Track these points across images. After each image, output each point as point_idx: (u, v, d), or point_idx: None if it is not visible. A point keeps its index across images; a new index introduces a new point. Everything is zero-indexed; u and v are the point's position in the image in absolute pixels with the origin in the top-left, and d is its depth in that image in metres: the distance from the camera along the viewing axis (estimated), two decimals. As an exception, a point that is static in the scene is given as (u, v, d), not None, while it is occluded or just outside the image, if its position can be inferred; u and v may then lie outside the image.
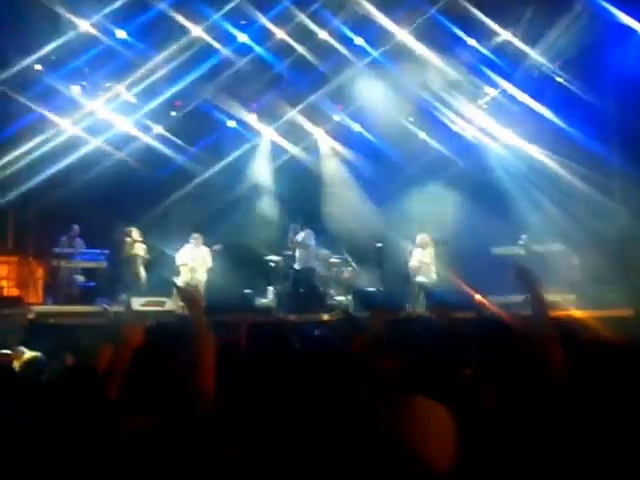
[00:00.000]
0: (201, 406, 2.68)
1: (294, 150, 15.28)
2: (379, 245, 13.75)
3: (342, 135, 15.51)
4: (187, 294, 3.50)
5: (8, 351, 5.50)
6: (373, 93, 14.19)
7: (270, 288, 13.30)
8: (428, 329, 5.47)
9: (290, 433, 2.61)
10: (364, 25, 13.45)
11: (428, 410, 1.93)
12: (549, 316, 3.30)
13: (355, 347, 3.88)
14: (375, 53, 13.74)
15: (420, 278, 13.14)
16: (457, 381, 3.06)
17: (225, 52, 13.50)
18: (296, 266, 13.19)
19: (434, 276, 13.21)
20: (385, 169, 14.53)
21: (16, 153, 12.86)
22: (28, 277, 13.26)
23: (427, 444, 1.85)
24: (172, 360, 3.59)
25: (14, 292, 12.85)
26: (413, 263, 13.25)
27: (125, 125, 14.20)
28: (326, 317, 10.71)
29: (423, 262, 13.21)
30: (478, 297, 10.62)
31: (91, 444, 2.41)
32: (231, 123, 15.14)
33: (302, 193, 14.70)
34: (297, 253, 13.27)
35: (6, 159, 12.82)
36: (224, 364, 3.51)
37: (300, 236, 13.30)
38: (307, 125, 15.16)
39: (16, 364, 5.06)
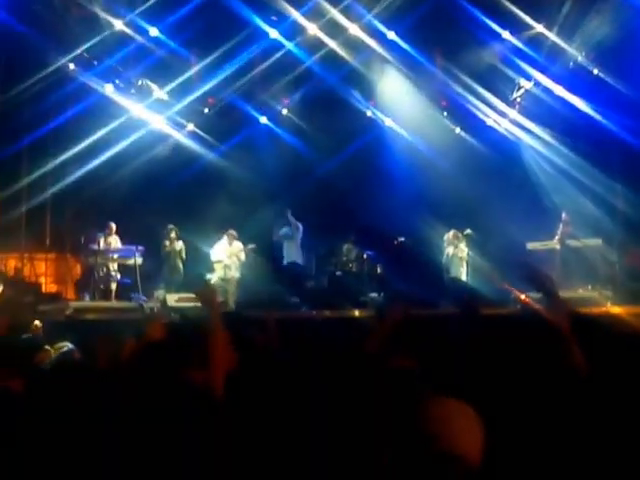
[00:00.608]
0: (208, 399, 2.69)
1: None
2: (401, 240, 13.73)
3: (376, 130, 15.43)
4: (202, 291, 3.49)
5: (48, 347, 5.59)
6: (405, 88, 14.10)
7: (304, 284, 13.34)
8: (455, 326, 5.39)
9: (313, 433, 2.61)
10: (395, 19, 13.41)
11: (456, 409, 1.93)
12: (565, 314, 3.26)
13: (369, 347, 3.86)
14: (407, 47, 13.68)
15: (453, 273, 13.12)
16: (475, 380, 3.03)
17: (256, 48, 13.58)
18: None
19: (466, 271, 13.17)
20: (418, 163, 14.41)
21: (52, 152, 13.06)
22: (66, 274, 13.48)
23: (458, 442, 1.85)
24: (186, 354, 3.62)
25: (52, 288, 13.06)
26: (446, 258, 13.25)
27: (158, 123, 14.30)
28: (357, 314, 10.68)
29: (456, 257, 13.18)
30: (514, 292, 10.56)
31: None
32: (263, 120, 15.17)
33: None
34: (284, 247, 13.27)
35: (42, 158, 13.04)
36: (248, 360, 3.56)
37: (285, 229, 13.26)
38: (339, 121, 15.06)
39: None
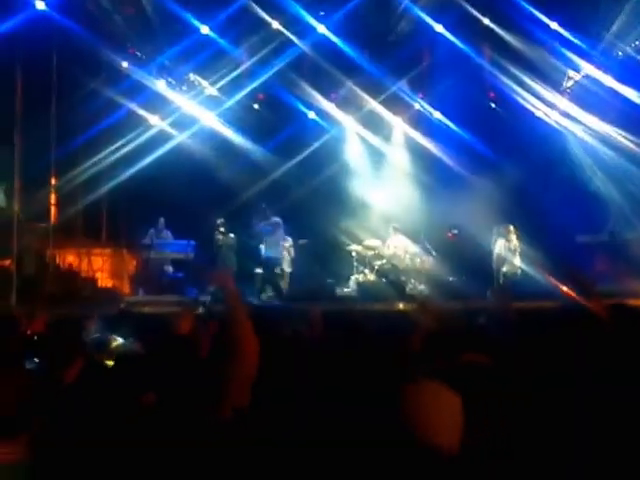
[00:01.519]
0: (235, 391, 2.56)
1: (374, 140, 15.28)
2: (455, 232, 13.68)
3: (423, 123, 15.42)
4: (216, 275, 3.41)
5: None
6: (452, 80, 14.04)
7: (352, 278, 13.42)
8: (494, 321, 5.29)
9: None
10: (443, 11, 13.36)
11: (435, 395, 1.92)
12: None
13: (413, 346, 3.80)
14: (455, 39, 13.62)
15: (504, 268, 13.05)
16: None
17: (305, 44, 13.69)
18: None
19: (517, 265, 13.08)
20: (465, 157, 14.33)
21: (107, 149, 13.40)
22: (121, 269, 13.81)
23: (432, 428, 1.84)
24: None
25: (108, 283, 13.41)
26: (497, 252, 13.18)
27: (209, 119, 14.54)
28: (402, 307, 10.73)
29: (507, 251, 13.11)
30: (563, 286, 10.43)
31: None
32: (312, 114, 15.28)
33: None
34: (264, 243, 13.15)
35: (98, 155, 13.39)
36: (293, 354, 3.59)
37: (264, 224, 13.18)
38: (386, 115, 15.13)
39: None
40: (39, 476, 2.35)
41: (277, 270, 12.95)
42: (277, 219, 12.95)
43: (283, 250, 13.22)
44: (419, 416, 1.86)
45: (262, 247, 12.93)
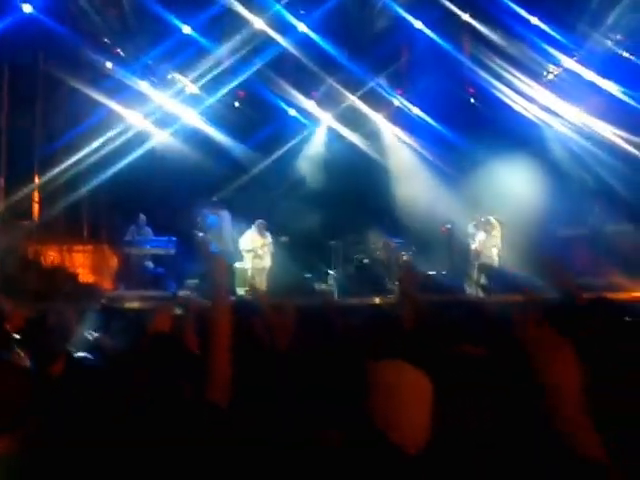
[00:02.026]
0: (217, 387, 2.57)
1: (353, 137, 15.34)
2: (448, 227, 13.74)
3: (403, 120, 15.48)
4: (216, 258, 3.41)
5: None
6: (432, 75, 14.13)
7: (330, 272, 13.50)
8: (471, 314, 5.23)
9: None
10: (423, 7, 13.49)
11: (398, 372, 1.88)
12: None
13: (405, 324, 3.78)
14: (434, 35, 13.73)
15: (482, 260, 13.14)
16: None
17: (285, 42, 13.80)
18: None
19: (497, 258, 13.17)
20: (448, 152, 14.43)
21: (88, 148, 13.50)
22: (102, 265, 13.90)
23: (394, 412, 1.80)
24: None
25: (89, 279, 13.48)
26: (475, 246, 13.28)
27: (190, 117, 14.65)
28: (378, 300, 10.80)
29: (486, 244, 13.20)
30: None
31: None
32: (292, 112, 15.36)
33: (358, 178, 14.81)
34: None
35: (81, 153, 13.49)
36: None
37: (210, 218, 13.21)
38: (368, 111, 15.21)
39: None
40: (30, 470, 2.35)
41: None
42: (224, 212, 13.01)
43: (230, 243, 13.17)
44: (381, 395, 1.83)
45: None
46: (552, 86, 14.37)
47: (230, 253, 13.02)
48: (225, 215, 13.00)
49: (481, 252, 13.21)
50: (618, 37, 13.25)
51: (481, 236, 13.26)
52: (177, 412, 2.38)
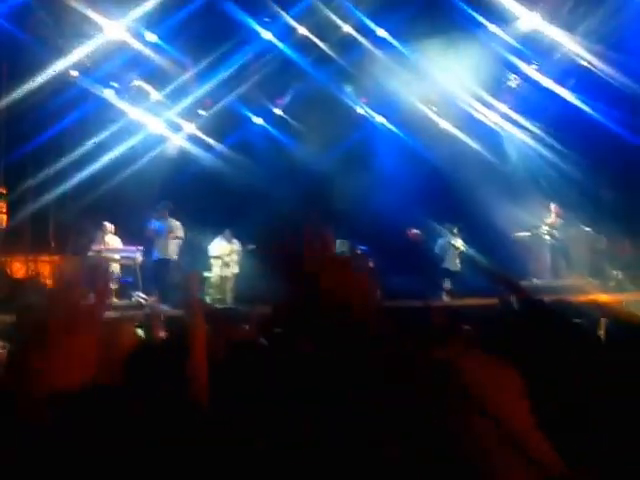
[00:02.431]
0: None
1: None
2: (417, 232, 13.91)
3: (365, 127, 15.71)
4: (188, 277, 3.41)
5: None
6: (396, 84, 14.31)
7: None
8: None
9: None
10: (385, 15, 13.65)
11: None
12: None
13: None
14: (397, 44, 13.92)
15: (445, 265, 13.44)
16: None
17: (251, 50, 13.93)
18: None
19: (459, 262, 13.47)
20: (409, 159, 14.65)
21: (55, 156, 13.51)
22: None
23: None
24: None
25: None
26: (440, 249, 13.57)
27: (157, 126, 14.72)
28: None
29: (452, 248, 13.50)
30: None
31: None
32: (258, 120, 15.53)
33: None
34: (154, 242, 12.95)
35: (46, 162, 13.48)
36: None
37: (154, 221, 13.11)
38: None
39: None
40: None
41: (175, 274, 12.64)
42: (173, 220, 12.85)
43: (175, 253, 12.94)
44: None
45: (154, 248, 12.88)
46: (512, 94, 14.62)
47: (173, 261, 12.87)
48: (172, 223, 12.80)
49: (442, 258, 13.52)
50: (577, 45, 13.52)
51: (443, 241, 13.57)
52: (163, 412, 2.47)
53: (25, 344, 1.45)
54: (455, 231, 13.59)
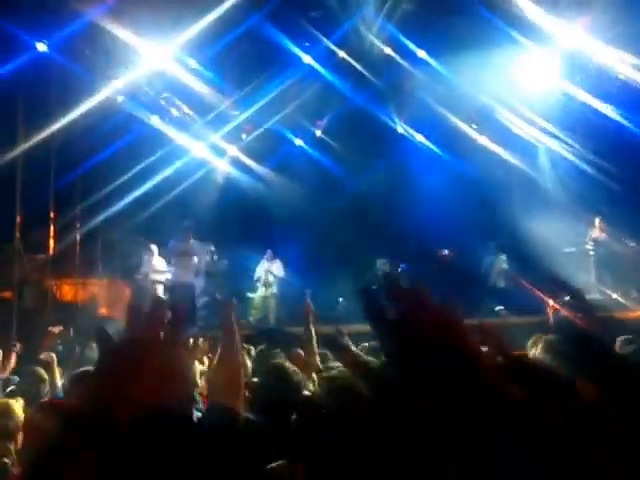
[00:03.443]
0: None
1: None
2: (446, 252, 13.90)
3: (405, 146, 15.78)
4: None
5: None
6: (434, 102, 14.34)
7: (340, 300, 13.77)
8: None
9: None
10: (423, 33, 13.71)
11: None
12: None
13: None
14: (434, 62, 13.96)
15: (493, 282, 13.44)
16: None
17: (292, 74, 14.14)
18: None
19: (503, 280, 13.43)
20: (450, 177, 14.68)
21: (101, 181, 13.88)
22: (116, 297, 14.14)
23: None
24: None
25: (105, 312, 13.74)
26: (485, 268, 13.58)
27: (201, 150, 15.04)
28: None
29: (497, 266, 13.50)
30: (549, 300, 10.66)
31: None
32: (298, 142, 15.78)
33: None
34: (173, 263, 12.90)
35: (94, 186, 13.86)
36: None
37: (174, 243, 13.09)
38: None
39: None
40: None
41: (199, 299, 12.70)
42: (193, 241, 12.80)
43: (196, 276, 12.87)
44: None
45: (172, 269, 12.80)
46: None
47: (192, 287, 12.81)
48: (192, 245, 12.81)
49: (490, 274, 13.49)
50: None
51: (489, 259, 13.56)
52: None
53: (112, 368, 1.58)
54: (498, 248, 13.54)
